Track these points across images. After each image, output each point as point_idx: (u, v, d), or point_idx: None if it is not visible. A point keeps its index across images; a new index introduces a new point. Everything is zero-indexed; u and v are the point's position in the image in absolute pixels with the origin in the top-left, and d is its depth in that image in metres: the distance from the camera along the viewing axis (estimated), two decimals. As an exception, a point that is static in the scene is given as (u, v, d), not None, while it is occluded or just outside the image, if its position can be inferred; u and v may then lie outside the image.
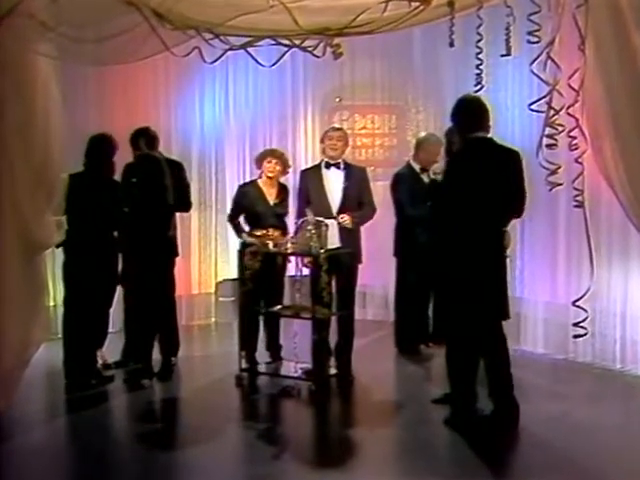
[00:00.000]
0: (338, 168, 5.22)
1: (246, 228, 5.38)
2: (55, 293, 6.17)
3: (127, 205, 5.07)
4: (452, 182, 4.17)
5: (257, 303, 5.16)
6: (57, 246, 4.94)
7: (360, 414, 4.83)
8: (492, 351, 4.15)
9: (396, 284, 6.02)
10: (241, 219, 5.43)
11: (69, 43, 4.37)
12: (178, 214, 5.63)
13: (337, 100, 7.14)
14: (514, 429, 4.18)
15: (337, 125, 5.72)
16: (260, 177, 5.42)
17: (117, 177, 5.23)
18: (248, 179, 6.85)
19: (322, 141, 5.32)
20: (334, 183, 5.19)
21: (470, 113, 4.21)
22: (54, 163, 4.31)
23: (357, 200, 5.20)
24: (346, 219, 5.08)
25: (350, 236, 5.14)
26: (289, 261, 5.22)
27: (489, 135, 4.29)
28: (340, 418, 4.78)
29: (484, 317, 4.13)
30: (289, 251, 5.00)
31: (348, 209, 5.14)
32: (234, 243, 6.96)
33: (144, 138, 5.29)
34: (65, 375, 5.01)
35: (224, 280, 7.21)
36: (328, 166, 5.23)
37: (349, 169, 5.25)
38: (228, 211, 5.63)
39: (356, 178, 5.21)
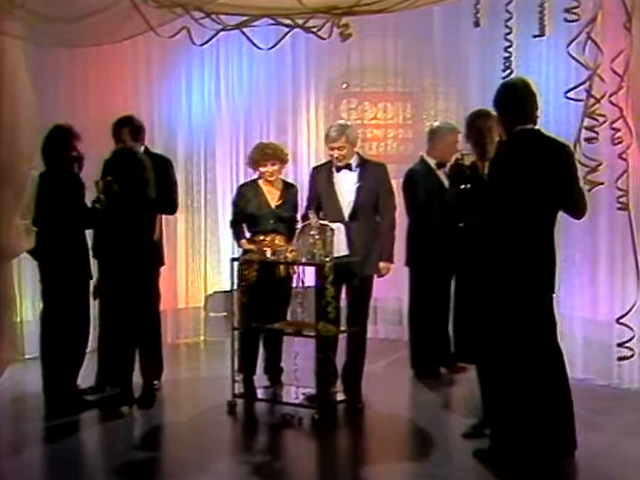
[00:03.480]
0: (350, 170, 5.21)
1: (248, 234, 5.40)
2: (22, 307, 6.17)
3: (108, 206, 5.06)
4: (495, 184, 4.05)
5: (255, 319, 5.16)
6: (31, 253, 4.96)
7: (371, 447, 4.81)
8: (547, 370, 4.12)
9: (410, 297, 6.02)
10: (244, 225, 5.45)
11: (38, 21, 4.39)
12: (163, 217, 5.63)
13: (344, 86, 7.15)
14: (556, 464, 4.17)
15: (339, 123, 5.58)
16: (260, 177, 5.43)
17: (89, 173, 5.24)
18: (242, 177, 6.90)
19: (326, 143, 5.32)
20: (346, 184, 5.19)
21: (515, 101, 4.06)
22: (23, 159, 4.31)
23: (373, 203, 5.19)
24: (381, 267, 5.16)
25: (373, 237, 5.13)
26: (295, 271, 5.22)
27: (537, 126, 4.15)
28: (347, 452, 4.76)
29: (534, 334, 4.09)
30: (289, 259, 4.99)
31: (362, 213, 5.13)
32: (226, 251, 7.01)
33: (128, 128, 5.31)
34: (46, 401, 5.02)
35: (215, 293, 7.22)
36: (338, 169, 5.22)
37: (364, 166, 5.22)
38: (230, 215, 5.64)
39: (372, 177, 5.19)
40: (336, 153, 5.15)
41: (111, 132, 5.39)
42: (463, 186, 4.29)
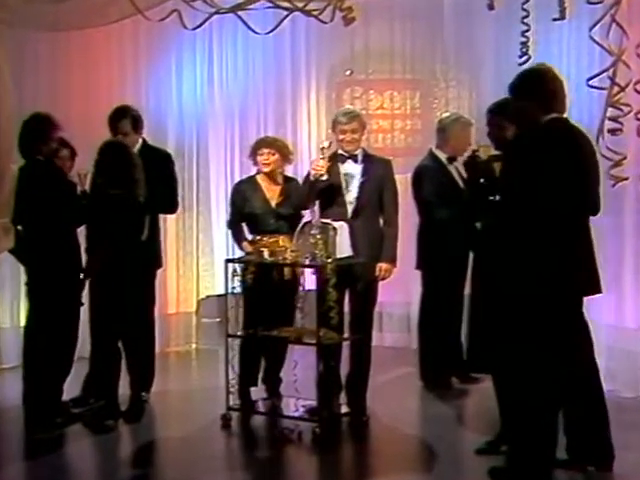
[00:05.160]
0: (356, 161, 5.20)
1: (249, 236, 5.39)
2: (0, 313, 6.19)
3: (93, 202, 5.07)
4: (532, 179, 3.94)
5: (254, 325, 5.14)
6: (14, 254, 4.97)
7: (376, 463, 4.80)
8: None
9: (421, 303, 6.02)
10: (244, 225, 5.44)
11: (18, 3, 4.39)
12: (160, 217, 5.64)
13: (347, 74, 7.13)
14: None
15: (349, 108, 5.64)
16: (258, 172, 5.43)
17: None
18: (237, 173, 6.90)
19: (333, 130, 5.31)
20: (351, 179, 5.16)
21: (546, 89, 4.03)
22: (2, 152, 4.31)
23: (377, 200, 5.18)
24: (383, 269, 5.10)
25: (377, 237, 5.12)
26: (300, 274, 5.21)
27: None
28: (351, 468, 4.76)
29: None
30: (288, 261, 4.99)
31: (366, 211, 5.13)
32: (220, 252, 7.01)
33: (128, 119, 5.32)
34: (25, 413, 5.01)
35: (208, 297, 7.22)
36: (343, 160, 5.22)
37: (369, 161, 5.22)
38: (225, 215, 5.63)
39: (377, 172, 5.18)
40: (348, 137, 5.15)
41: (108, 122, 5.38)
42: (482, 181, 4.27)
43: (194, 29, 5.75)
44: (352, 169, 5.19)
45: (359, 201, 5.14)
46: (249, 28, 5.75)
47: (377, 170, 5.20)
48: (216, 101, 7.31)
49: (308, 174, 5.21)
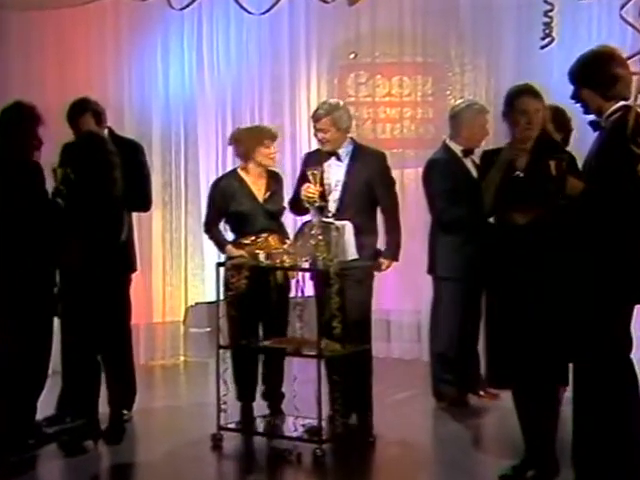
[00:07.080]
0: (339, 159, 5.20)
1: (230, 237, 5.37)
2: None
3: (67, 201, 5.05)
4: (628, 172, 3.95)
5: (246, 336, 5.14)
6: None
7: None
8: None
9: (432, 310, 6.00)
10: (221, 225, 5.42)
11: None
12: (134, 215, 5.60)
13: (351, 57, 7.14)
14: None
15: (321, 104, 5.48)
16: (245, 167, 5.37)
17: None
18: (229, 168, 6.87)
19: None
20: (334, 177, 5.17)
21: (607, 73, 4.03)
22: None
23: (366, 199, 5.15)
24: (385, 265, 5.21)
25: (364, 239, 5.12)
26: (293, 277, 5.22)
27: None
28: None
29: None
30: (286, 264, 4.96)
31: (349, 212, 5.11)
32: (210, 254, 6.99)
33: (90, 113, 5.30)
34: None
35: (197, 304, 7.22)
36: (326, 158, 5.22)
37: (356, 157, 5.18)
38: (203, 217, 5.61)
39: (364, 170, 5.15)
40: (319, 135, 5.20)
41: (67, 118, 5.34)
42: (517, 173, 4.25)
43: (182, 9, 5.75)
44: (334, 171, 5.18)
45: (340, 204, 5.14)
46: (242, 8, 5.75)
47: (364, 167, 5.18)
48: (206, 89, 7.33)
49: (302, 170, 5.23)
